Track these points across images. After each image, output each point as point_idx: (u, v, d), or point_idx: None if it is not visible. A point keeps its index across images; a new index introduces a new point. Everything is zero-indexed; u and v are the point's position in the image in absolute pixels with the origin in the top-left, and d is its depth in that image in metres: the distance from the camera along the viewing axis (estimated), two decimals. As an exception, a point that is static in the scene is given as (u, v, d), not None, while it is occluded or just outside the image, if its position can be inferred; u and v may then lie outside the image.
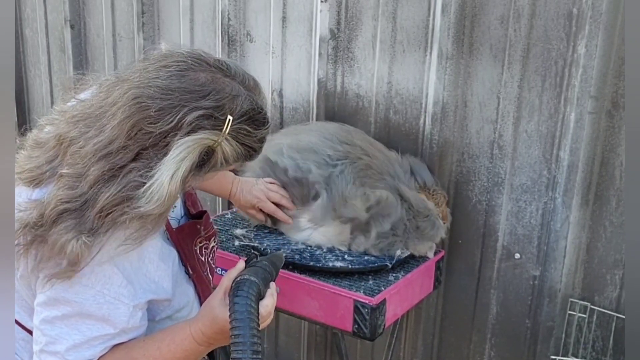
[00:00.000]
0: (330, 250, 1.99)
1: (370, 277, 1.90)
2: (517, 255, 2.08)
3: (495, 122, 2.04)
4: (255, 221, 2.10)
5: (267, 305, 1.22)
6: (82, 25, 3.15)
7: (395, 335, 2.20)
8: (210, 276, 1.45)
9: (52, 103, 3.36)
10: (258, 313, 1.17)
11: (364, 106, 2.28)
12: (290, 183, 2.00)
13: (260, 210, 2.01)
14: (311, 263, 1.90)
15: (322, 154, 1.98)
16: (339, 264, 1.91)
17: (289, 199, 2.00)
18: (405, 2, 2.12)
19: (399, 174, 2.01)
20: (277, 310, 1.95)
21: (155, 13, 2.82)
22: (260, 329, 1.16)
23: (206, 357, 1.43)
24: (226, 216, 2.32)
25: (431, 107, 2.13)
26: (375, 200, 1.93)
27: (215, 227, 2.17)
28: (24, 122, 3.56)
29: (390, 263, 1.92)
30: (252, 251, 1.96)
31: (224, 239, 2.11)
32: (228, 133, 1.16)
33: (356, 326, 1.79)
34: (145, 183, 1.10)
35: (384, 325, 1.84)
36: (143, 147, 1.11)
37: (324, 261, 1.92)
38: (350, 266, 1.90)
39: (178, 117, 1.11)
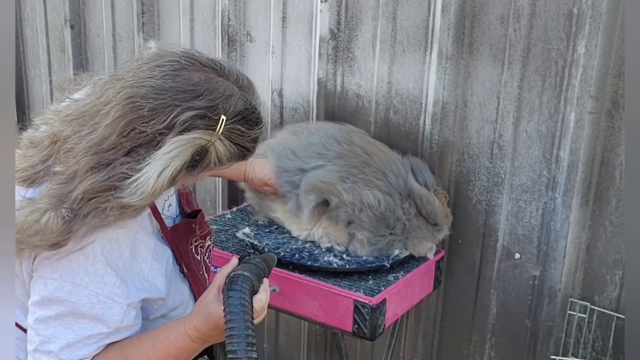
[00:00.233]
0: (329, 249, 1.99)
1: (370, 277, 1.90)
2: (517, 255, 2.08)
3: (495, 122, 2.04)
4: (268, 201, 2.13)
5: (261, 299, 1.23)
6: (82, 25, 3.15)
7: (395, 335, 2.20)
8: (206, 275, 1.45)
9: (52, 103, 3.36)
10: (252, 307, 1.18)
11: (364, 106, 2.28)
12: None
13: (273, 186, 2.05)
14: (309, 262, 1.90)
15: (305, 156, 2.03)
16: (336, 263, 1.91)
17: None
18: (405, 2, 2.12)
19: (403, 173, 2.01)
20: (277, 310, 1.97)
21: (155, 13, 2.82)
22: (255, 322, 1.17)
23: (206, 358, 1.43)
24: (226, 216, 2.32)
25: (431, 107, 2.13)
26: (360, 202, 1.94)
27: (215, 227, 2.18)
28: (24, 122, 3.56)
29: (388, 263, 1.93)
30: (246, 249, 1.97)
31: (224, 239, 2.11)
32: (221, 133, 1.16)
33: (356, 326, 1.79)
34: (132, 175, 1.10)
35: (384, 325, 1.84)
36: (135, 145, 1.12)
37: (322, 260, 1.92)
38: (347, 266, 1.90)
39: (171, 116, 1.12)
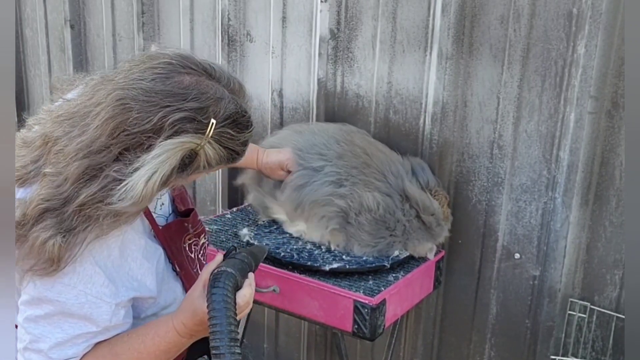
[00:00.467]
0: (329, 250, 1.99)
1: (370, 277, 1.90)
2: (517, 255, 2.08)
3: (495, 122, 2.04)
4: (268, 201, 2.14)
5: (245, 295, 1.24)
6: (82, 25, 3.15)
7: (395, 335, 2.20)
8: (200, 273, 1.46)
9: (52, 103, 3.36)
10: (235, 303, 1.20)
11: (364, 106, 2.28)
12: None
13: (289, 171, 2.04)
14: (309, 262, 1.90)
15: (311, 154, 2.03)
16: (336, 264, 1.91)
17: None
18: (405, 2, 2.12)
19: (402, 174, 2.01)
20: (277, 310, 1.97)
21: (155, 13, 2.82)
22: (238, 318, 1.20)
23: (206, 358, 1.44)
24: (226, 216, 2.32)
25: (431, 107, 2.13)
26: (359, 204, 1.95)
27: (215, 227, 2.18)
28: (23, 122, 3.56)
29: (388, 263, 1.93)
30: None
31: (224, 239, 2.12)
32: (211, 136, 1.16)
33: (356, 326, 1.79)
34: (123, 180, 1.11)
35: (384, 326, 1.84)
36: (125, 147, 1.12)
37: (321, 261, 1.92)
38: (347, 266, 1.90)
39: (160, 117, 1.12)
